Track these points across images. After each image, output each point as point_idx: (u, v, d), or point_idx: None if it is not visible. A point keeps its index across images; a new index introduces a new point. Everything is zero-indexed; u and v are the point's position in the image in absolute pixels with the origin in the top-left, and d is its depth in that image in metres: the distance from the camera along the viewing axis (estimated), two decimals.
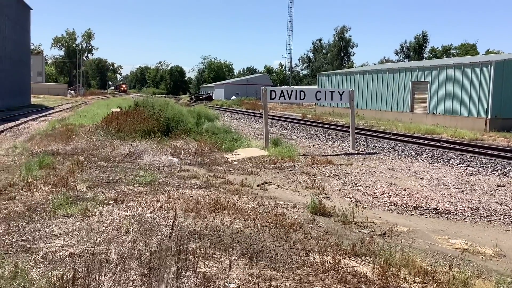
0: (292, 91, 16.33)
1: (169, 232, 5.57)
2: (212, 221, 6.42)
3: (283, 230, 6.20)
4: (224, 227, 6.17)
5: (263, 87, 15.85)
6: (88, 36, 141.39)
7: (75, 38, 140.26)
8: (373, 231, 6.62)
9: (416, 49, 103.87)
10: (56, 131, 17.04)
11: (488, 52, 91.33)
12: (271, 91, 15.95)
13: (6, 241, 5.31)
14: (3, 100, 37.16)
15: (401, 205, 8.53)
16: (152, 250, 4.87)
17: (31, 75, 54.44)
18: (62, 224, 6.01)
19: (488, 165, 13.69)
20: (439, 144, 19.04)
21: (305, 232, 6.28)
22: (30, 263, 4.67)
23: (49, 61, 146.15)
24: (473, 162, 14.34)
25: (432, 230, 6.99)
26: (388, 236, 6.30)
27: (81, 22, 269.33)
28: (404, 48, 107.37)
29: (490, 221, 7.75)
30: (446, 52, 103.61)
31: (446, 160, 14.75)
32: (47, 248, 5.09)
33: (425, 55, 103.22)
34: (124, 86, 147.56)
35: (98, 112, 26.31)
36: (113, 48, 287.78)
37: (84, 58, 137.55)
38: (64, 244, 5.24)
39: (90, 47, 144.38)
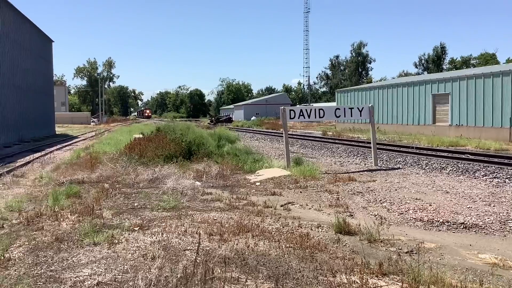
0: (311, 110, 16.34)
1: (194, 257, 5.59)
2: (237, 244, 6.42)
3: (308, 251, 6.16)
4: (248, 250, 6.16)
5: (282, 107, 15.91)
6: (109, 64, 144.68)
7: (97, 67, 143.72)
8: (400, 249, 6.53)
9: (435, 61, 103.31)
10: (81, 160, 17.32)
11: (508, 61, 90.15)
12: (290, 110, 15.99)
13: (35, 271, 5.40)
14: (28, 131, 38.02)
15: (427, 220, 8.41)
16: (178, 276, 4.89)
17: (54, 105, 55.62)
18: (89, 253, 6.08)
19: None
20: (463, 156, 18.76)
21: (331, 252, 6.23)
22: None
23: (72, 91, 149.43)
24: (499, 173, 14.07)
25: (460, 245, 6.86)
26: (416, 253, 6.20)
27: (101, 51, 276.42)
28: (423, 61, 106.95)
29: None
30: (465, 62, 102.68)
31: (471, 173, 14.51)
32: (75, 278, 5.15)
33: (444, 67, 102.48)
34: (148, 111, 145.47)
35: (121, 139, 26.68)
36: (134, 75, 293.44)
37: (106, 86, 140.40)
38: (92, 272, 5.30)
39: (111, 75, 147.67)
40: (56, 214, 8.35)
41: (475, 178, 13.50)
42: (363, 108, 17.17)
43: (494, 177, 13.46)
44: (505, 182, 12.70)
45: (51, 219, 8.01)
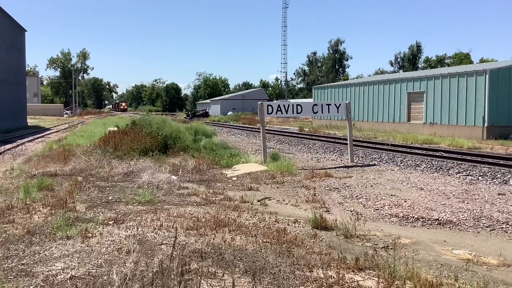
0: (289, 105, 16.34)
1: (170, 251, 5.52)
2: (214, 239, 6.37)
3: (285, 246, 6.15)
4: (225, 245, 6.12)
5: (260, 102, 15.86)
6: (83, 56, 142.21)
7: (71, 58, 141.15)
8: (376, 244, 6.57)
9: (411, 59, 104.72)
10: (54, 152, 16.97)
11: (482, 61, 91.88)
12: (268, 106, 15.95)
13: (6, 265, 5.25)
14: None
15: (402, 216, 8.49)
16: (154, 270, 4.81)
17: (27, 96, 54.45)
18: (62, 246, 5.94)
19: (487, 174, 13.68)
20: (437, 154, 19.05)
21: (308, 247, 6.23)
22: (31, 287, 4.60)
23: (45, 82, 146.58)
24: (472, 171, 14.33)
25: (435, 241, 6.94)
26: (391, 248, 6.25)
27: (76, 42, 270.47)
28: (399, 59, 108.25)
29: (492, 230, 7.71)
30: (440, 61, 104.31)
31: (445, 170, 14.73)
32: (47, 272, 5.03)
33: (419, 66, 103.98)
34: (124, 104, 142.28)
35: (95, 132, 26.27)
36: (109, 67, 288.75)
37: (80, 78, 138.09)
38: (65, 266, 5.18)
39: (85, 67, 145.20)
40: (27, 206, 8.16)
41: (449, 175, 13.71)
42: (340, 104, 17.26)
43: (468, 175, 13.70)
44: (478, 179, 12.93)
45: (22, 212, 7.82)
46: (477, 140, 27.55)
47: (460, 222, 8.07)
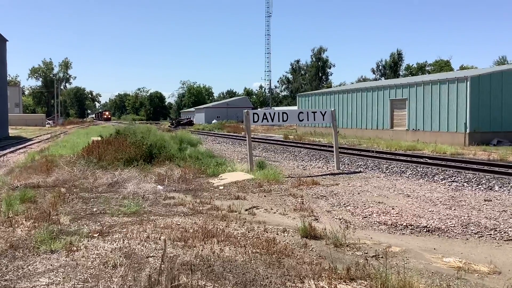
0: (275, 113, 16.30)
1: (158, 264, 5.39)
2: (202, 250, 6.25)
3: (275, 256, 6.06)
4: (214, 256, 6.00)
5: (246, 110, 15.79)
6: (66, 65, 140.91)
7: (52, 68, 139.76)
8: (366, 253, 6.52)
9: (392, 67, 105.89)
10: (36, 163, 16.67)
11: (462, 68, 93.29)
12: (254, 114, 15.88)
13: None
14: None
15: (391, 224, 8.47)
16: (142, 284, 4.69)
17: (8, 106, 53.65)
18: (46, 261, 5.77)
19: (472, 180, 13.77)
20: (422, 160, 19.17)
21: (298, 257, 6.14)
22: None
23: (26, 92, 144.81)
24: (457, 177, 14.41)
25: (424, 249, 6.91)
26: (382, 257, 6.19)
27: (58, 51, 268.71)
28: (380, 67, 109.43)
29: (481, 237, 7.72)
30: (421, 69, 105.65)
31: (430, 176, 14.80)
32: (31, 287, 4.87)
33: (401, 73, 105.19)
34: (107, 113, 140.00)
35: (78, 142, 25.95)
36: (91, 77, 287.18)
37: (62, 87, 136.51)
38: (49, 282, 5.02)
39: (67, 76, 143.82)
40: (10, 219, 7.95)
41: (434, 182, 13.77)
42: (325, 112, 17.29)
43: (453, 181, 13.77)
44: (463, 185, 13.01)
45: (4, 225, 7.61)
46: (459, 146, 27.84)
47: (448, 229, 8.07)
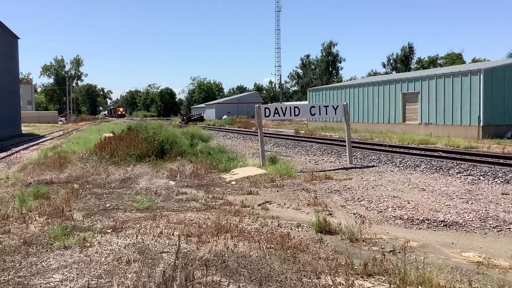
0: (286, 107, 16.16)
1: (172, 260, 5.33)
2: (216, 246, 6.18)
3: (290, 252, 5.97)
4: (228, 251, 5.93)
5: (257, 105, 15.69)
6: (77, 62, 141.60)
7: (64, 65, 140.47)
8: (383, 248, 6.40)
9: (403, 60, 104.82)
10: (49, 160, 16.73)
11: (474, 61, 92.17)
12: (265, 108, 15.76)
13: (2, 278, 5.04)
14: None
15: (407, 218, 8.33)
16: (156, 280, 4.62)
17: (21, 104, 54.05)
18: (59, 257, 5.74)
19: (488, 173, 13.55)
20: (436, 154, 18.93)
21: (313, 252, 6.04)
22: None
23: (39, 90, 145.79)
24: (473, 170, 14.19)
25: (443, 244, 6.78)
26: (399, 252, 6.08)
27: (69, 49, 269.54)
28: (391, 60, 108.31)
29: (500, 231, 7.56)
30: (432, 62, 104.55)
31: (445, 170, 14.60)
32: (45, 284, 4.83)
33: (412, 66, 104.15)
34: (121, 109, 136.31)
35: (91, 138, 26.02)
36: (103, 74, 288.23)
37: (74, 84, 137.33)
38: (63, 278, 4.98)
39: (79, 73, 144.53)
40: (23, 216, 7.95)
41: (449, 176, 13.58)
42: (338, 106, 17.12)
43: (468, 175, 13.57)
44: (479, 179, 12.80)
45: (18, 222, 7.61)
46: (473, 139, 27.50)
47: (466, 223, 7.92)
